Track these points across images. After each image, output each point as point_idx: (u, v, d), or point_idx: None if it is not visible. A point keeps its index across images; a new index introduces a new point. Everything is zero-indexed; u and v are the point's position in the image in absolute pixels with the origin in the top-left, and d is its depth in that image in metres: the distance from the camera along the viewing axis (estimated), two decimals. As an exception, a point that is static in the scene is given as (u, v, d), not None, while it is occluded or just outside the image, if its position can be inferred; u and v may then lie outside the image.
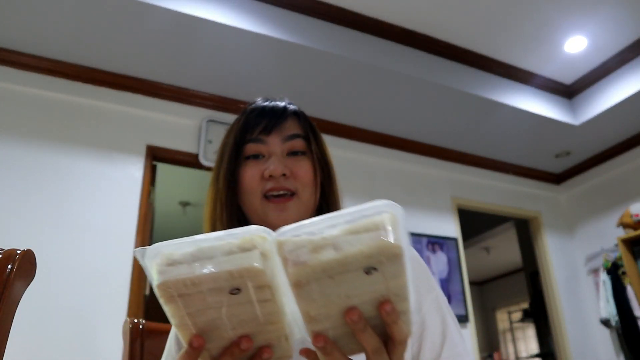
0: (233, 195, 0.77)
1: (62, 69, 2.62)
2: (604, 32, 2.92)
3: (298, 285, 0.43)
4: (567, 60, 3.16)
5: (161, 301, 0.44)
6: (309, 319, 0.45)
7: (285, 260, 0.43)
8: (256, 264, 0.43)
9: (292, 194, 0.75)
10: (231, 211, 0.77)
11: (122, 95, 2.77)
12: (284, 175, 0.75)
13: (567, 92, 3.46)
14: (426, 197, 3.55)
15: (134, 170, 2.68)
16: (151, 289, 2.89)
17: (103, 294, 2.36)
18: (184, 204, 4.59)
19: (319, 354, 0.47)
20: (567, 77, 3.36)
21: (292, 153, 0.78)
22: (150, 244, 2.76)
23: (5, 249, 0.76)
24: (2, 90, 2.53)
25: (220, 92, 2.97)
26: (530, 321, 6.44)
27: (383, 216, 0.43)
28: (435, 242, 3.42)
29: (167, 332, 0.99)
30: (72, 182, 2.51)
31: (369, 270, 0.43)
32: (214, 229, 0.78)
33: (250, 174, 0.76)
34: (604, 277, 3.58)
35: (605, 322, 3.54)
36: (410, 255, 0.74)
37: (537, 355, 5.55)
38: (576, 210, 4.14)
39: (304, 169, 0.77)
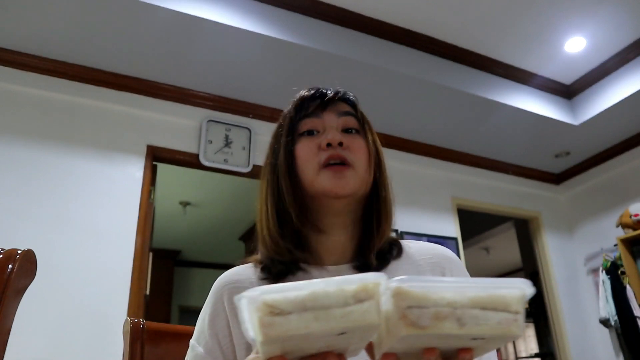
0: (292, 170, 0.77)
1: (62, 69, 2.63)
2: (603, 32, 2.92)
3: (400, 337, 0.41)
4: (566, 61, 3.17)
5: (260, 345, 0.41)
6: (391, 347, 0.44)
7: (403, 316, 0.40)
8: (375, 321, 0.40)
9: (350, 166, 0.75)
10: (293, 185, 0.76)
11: (122, 95, 2.77)
12: (340, 144, 0.75)
13: (567, 92, 3.46)
14: (426, 197, 3.56)
15: (134, 170, 2.69)
16: (151, 289, 2.89)
17: (103, 293, 2.36)
18: (184, 204, 4.60)
19: None
20: (567, 77, 3.36)
21: (347, 130, 0.79)
22: (150, 244, 2.76)
23: (6, 249, 0.76)
24: (2, 90, 2.53)
25: (220, 92, 2.97)
26: (529, 321, 6.43)
27: (513, 294, 0.42)
28: (435, 242, 3.42)
29: (167, 332, 0.99)
30: (72, 182, 2.51)
31: (477, 338, 0.42)
32: (280, 204, 0.76)
33: (308, 147, 0.76)
34: (603, 277, 3.58)
35: (605, 322, 3.54)
36: (457, 264, 0.78)
37: (536, 355, 5.55)
38: (576, 210, 4.14)
39: (358, 144, 0.77)
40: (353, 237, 0.78)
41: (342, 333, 0.41)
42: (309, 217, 0.77)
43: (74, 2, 2.26)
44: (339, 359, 0.44)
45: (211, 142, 2.93)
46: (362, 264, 0.76)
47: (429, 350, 0.43)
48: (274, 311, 0.38)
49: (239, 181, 3.19)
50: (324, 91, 0.82)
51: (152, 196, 2.76)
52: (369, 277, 0.41)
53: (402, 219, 3.30)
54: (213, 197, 4.45)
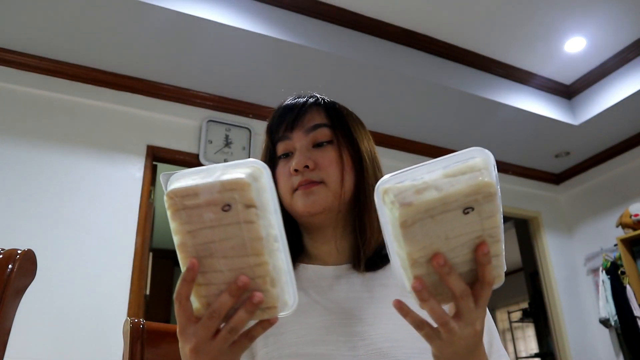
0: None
1: (62, 69, 2.63)
2: (603, 32, 2.92)
3: (404, 226, 0.47)
4: (566, 61, 3.17)
5: (169, 214, 0.50)
6: (412, 261, 0.49)
7: (393, 204, 0.48)
8: (243, 177, 0.48)
9: (320, 183, 0.75)
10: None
11: (122, 95, 2.77)
12: (307, 167, 0.74)
13: (567, 92, 3.46)
14: (426, 197, 3.55)
15: (134, 170, 2.69)
16: (151, 289, 2.89)
17: (103, 293, 2.36)
18: (184, 204, 4.59)
19: (415, 298, 0.50)
20: (567, 77, 3.36)
21: (318, 144, 0.77)
22: (150, 244, 2.76)
23: (6, 249, 0.76)
24: (2, 90, 2.53)
25: (220, 92, 2.97)
26: (529, 321, 6.44)
27: (476, 160, 0.49)
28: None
29: (167, 332, 0.99)
30: (72, 182, 2.51)
31: (466, 210, 0.47)
32: None
33: (282, 172, 0.78)
34: (603, 277, 3.58)
35: (605, 322, 3.54)
36: None
37: (536, 355, 5.56)
38: (576, 210, 4.14)
39: (328, 158, 0.76)
40: (348, 241, 0.79)
41: (227, 206, 0.48)
42: (301, 231, 0.81)
43: (74, 2, 2.25)
44: (248, 280, 0.49)
45: (211, 142, 2.93)
46: (359, 264, 0.76)
47: (434, 256, 0.48)
48: (180, 178, 0.51)
49: (238, 181, 3.19)
50: (292, 105, 0.81)
51: (152, 196, 2.76)
52: (258, 162, 0.51)
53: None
54: (213, 197, 4.44)
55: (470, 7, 2.71)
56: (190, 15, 2.35)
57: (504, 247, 0.51)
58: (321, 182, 0.74)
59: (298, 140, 0.78)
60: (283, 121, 0.79)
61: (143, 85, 2.80)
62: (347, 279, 0.75)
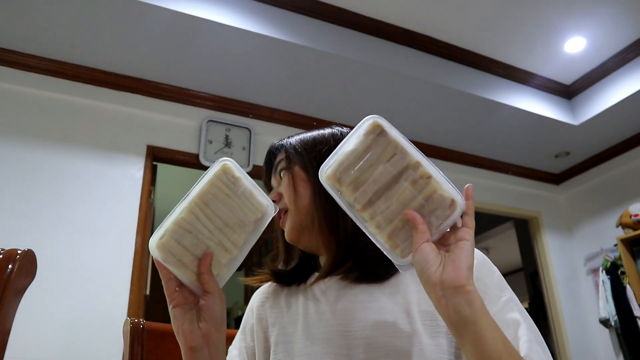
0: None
1: (62, 69, 2.63)
2: (603, 32, 2.92)
3: (335, 181, 0.62)
4: (566, 61, 3.16)
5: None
6: (370, 214, 0.64)
7: (328, 179, 0.62)
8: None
9: (287, 211, 0.81)
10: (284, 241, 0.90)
11: (122, 95, 2.77)
12: (274, 202, 0.79)
13: (567, 92, 3.46)
14: (426, 197, 3.54)
15: (134, 170, 2.68)
16: (151, 289, 2.89)
17: (103, 293, 2.36)
18: (184, 204, 4.58)
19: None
20: (567, 77, 3.36)
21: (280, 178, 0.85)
22: (150, 243, 2.76)
23: (6, 249, 0.76)
24: (2, 90, 2.53)
25: (220, 92, 2.97)
26: (529, 321, 6.42)
27: (362, 121, 0.64)
28: (435, 242, 3.41)
29: (167, 332, 0.99)
30: (72, 182, 2.51)
31: (370, 147, 0.64)
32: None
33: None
34: (603, 277, 3.58)
35: (605, 322, 3.54)
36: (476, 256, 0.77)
37: (536, 355, 5.54)
38: (576, 210, 4.14)
39: (285, 184, 0.82)
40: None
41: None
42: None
43: (74, 2, 2.25)
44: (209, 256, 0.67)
45: (211, 142, 2.93)
46: (363, 275, 0.77)
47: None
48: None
49: (239, 181, 3.19)
50: (264, 160, 0.90)
51: (152, 196, 2.76)
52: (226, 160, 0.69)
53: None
54: (213, 197, 4.42)
55: (470, 7, 2.71)
56: (190, 15, 2.35)
57: (429, 165, 0.61)
58: (286, 211, 0.81)
59: (274, 183, 0.87)
60: (264, 176, 0.91)
61: (143, 85, 2.80)
62: (353, 290, 0.76)
